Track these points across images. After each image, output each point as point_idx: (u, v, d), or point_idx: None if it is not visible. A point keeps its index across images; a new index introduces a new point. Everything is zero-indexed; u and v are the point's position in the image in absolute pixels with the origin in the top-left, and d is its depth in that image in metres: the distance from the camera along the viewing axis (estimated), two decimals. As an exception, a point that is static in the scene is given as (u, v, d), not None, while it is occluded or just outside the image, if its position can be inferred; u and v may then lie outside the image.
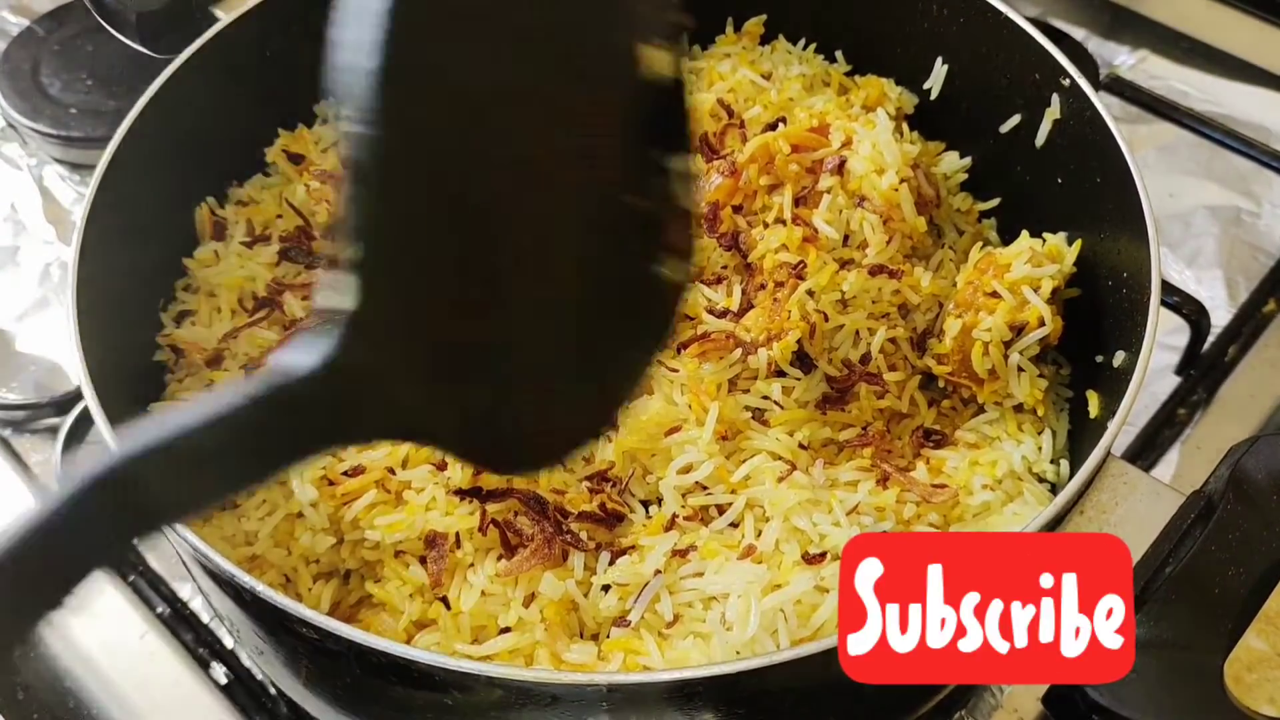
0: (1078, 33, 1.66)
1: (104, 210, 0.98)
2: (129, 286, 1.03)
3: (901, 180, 1.09)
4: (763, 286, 1.05)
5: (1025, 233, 1.10)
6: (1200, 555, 0.78)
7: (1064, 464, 1.02)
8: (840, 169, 1.09)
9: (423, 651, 0.76)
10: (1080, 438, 1.02)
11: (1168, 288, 1.35)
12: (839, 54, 1.29)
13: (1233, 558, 0.78)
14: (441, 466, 0.94)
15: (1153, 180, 1.51)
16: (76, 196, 1.52)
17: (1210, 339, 1.34)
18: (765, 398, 1.01)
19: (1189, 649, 0.75)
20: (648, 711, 0.78)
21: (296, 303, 1.06)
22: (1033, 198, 1.15)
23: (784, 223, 1.07)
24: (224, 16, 1.14)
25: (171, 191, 1.09)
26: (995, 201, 1.20)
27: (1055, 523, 0.83)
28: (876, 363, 1.04)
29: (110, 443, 0.87)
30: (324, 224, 1.10)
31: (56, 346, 1.38)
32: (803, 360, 1.02)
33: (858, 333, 1.04)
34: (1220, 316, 1.37)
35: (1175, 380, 1.33)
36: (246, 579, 0.78)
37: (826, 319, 1.03)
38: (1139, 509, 0.83)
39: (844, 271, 1.05)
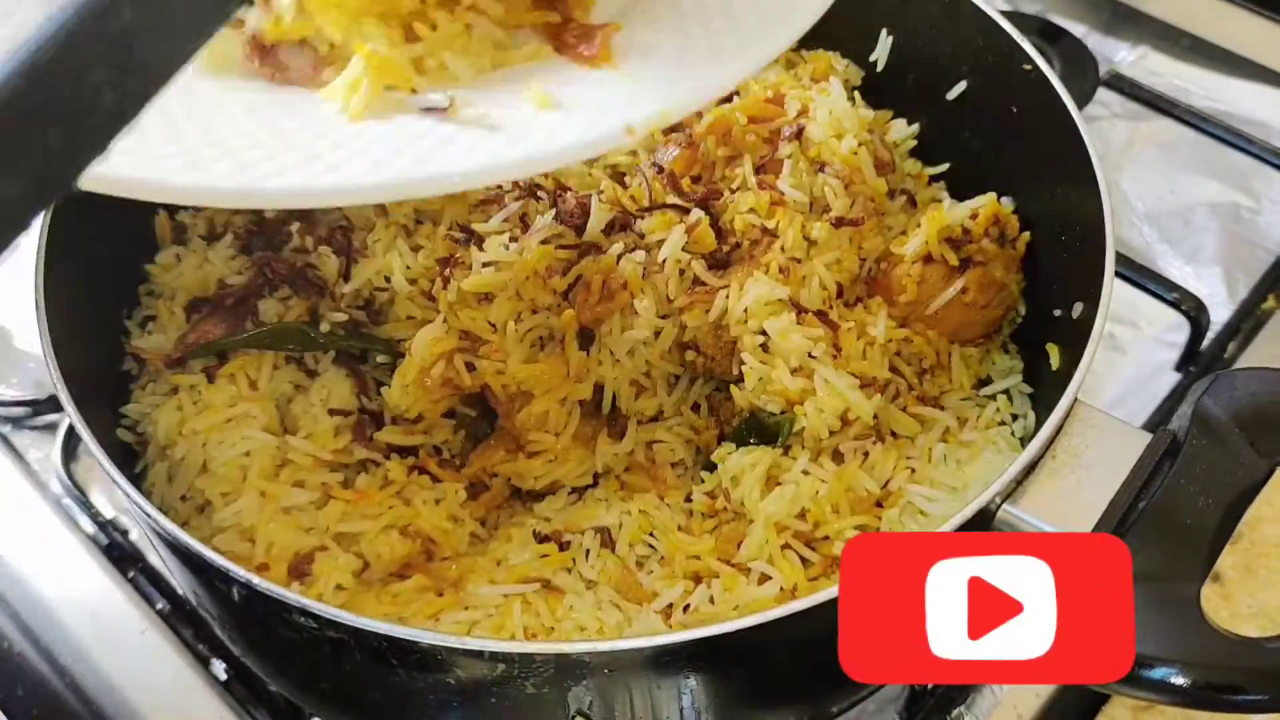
0: (1077, 29, 1.65)
1: (68, 219, 0.99)
2: (96, 296, 1.03)
3: (860, 144, 1.10)
4: (737, 245, 1.06)
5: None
6: (1170, 490, 0.81)
7: (1030, 415, 1.04)
8: (798, 136, 1.10)
9: (425, 632, 0.77)
10: (1045, 390, 1.04)
11: (1167, 284, 1.35)
12: None
13: (1201, 490, 0.80)
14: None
15: (1152, 177, 1.51)
16: (76, 192, 1.52)
17: (1210, 335, 1.34)
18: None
19: (1166, 580, 0.77)
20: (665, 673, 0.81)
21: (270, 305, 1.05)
22: (983, 162, 1.16)
23: (749, 190, 1.08)
24: None
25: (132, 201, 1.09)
26: (945, 166, 1.21)
27: (1030, 467, 0.85)
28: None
29: (97, 455, 0.86)
30: (272, 215, 1.10)
31: (56, 343, 1.37)
32: None
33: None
34: (1220, 313, 1.36)
35: (1175, 377, 1.33)
36: (241, 572, 0.79)
37: (799, 261, 1.05)
38: (1109, 450, 0.86)
39: (811, 222, 1.06)
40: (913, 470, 0.98)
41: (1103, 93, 1.57)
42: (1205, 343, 1.33)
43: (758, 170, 1.10)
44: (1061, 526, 0.83)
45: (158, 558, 1.20)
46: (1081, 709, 1.05)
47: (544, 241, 1.02)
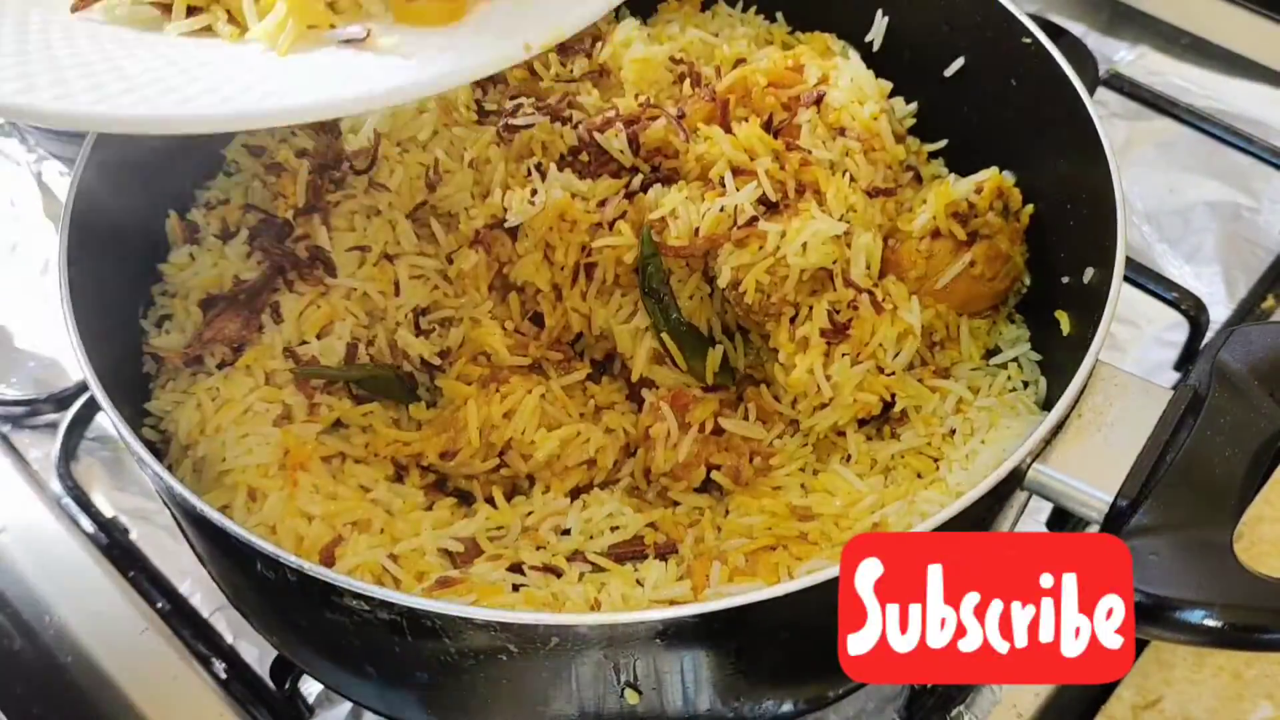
0: (1077, 28, 1.66)
1: (81, 223, 0.99)
2: (111, 298, 1.03)
3: (881, 110, 1.13)
4: (773, 204, 1.07)
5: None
6: (1196, 443, 0.83)
7: (1041, 381, 1.06)
8: (818, 103, 1.12)
9: (479, 609, 0.78)
10: (1054, 357, 1.06)
11: (1166, 283, 1.35)
12: (779, 15, 1.32)
13: (1226, 441, 0.82)
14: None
15: (1152, 176, 1.51)
16: (77, 193, 1.52)
17: (1209, 335, 1.34)
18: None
19: (1199, 527, 0.79)
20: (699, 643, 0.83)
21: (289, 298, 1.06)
22: (982, 137, 1.17)
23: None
24: None
25: (143, 201, 1.10)
26: (943, 143, 1.22)
27: (1058, 427, 0.87)
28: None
29: (137, 449, 0.87)
30: (283, 216, 1.10)
31: (55, 343, 1.37)
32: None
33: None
34: (1219, 312, 1.37)
35: (1174, 376, 1.33)
36: (292, 559, 0.79)
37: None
38: (1133, 406, 0.88)
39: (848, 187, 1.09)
40: (930, 442, 1.00)
41: (1102, 92, 1.58)
42: (1204, 342, 1.33)
43: (776, 134, 1.11)
44: (1091, 482, 0.85)
45: (158, 557, 1.19)
46: (1081, 709, 1.05)
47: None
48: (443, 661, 0.84)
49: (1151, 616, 0.75)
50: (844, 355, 1.02)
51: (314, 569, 0.80)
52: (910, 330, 1.04)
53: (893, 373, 1.03)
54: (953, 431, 1.01)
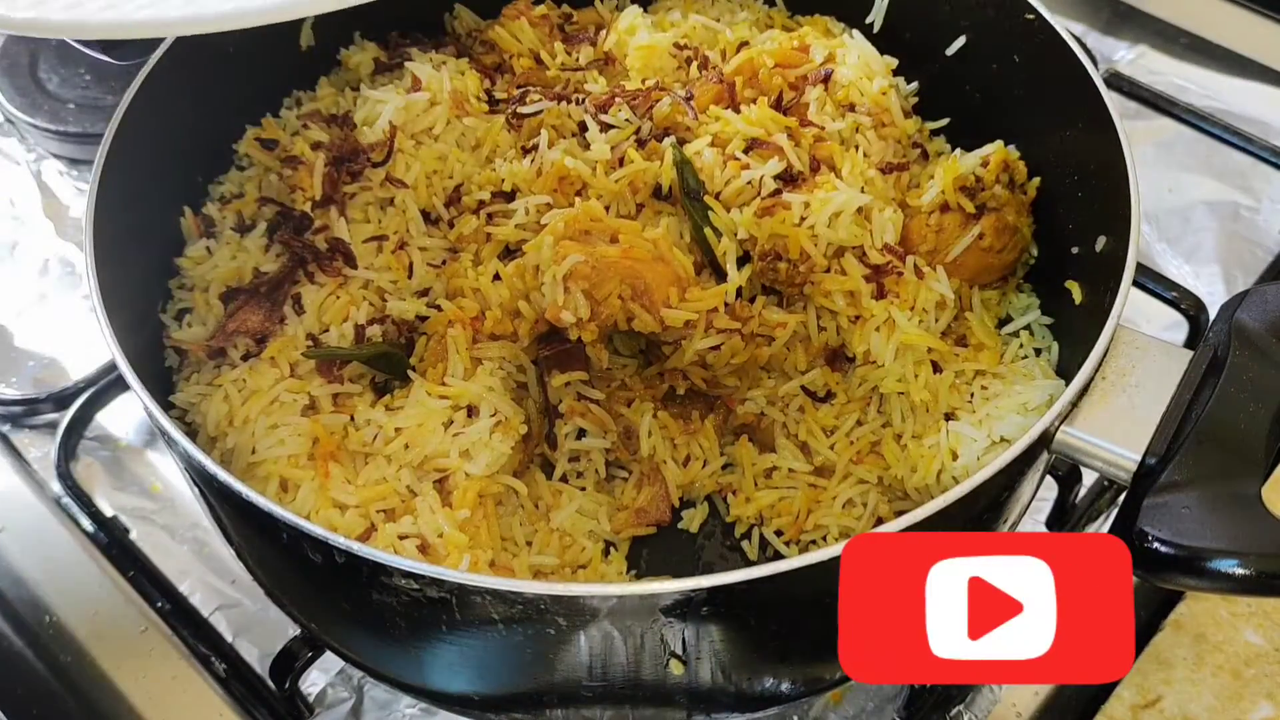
0: (1076, 28, 1.67)
1: (101, 222, 0.99)
2: (130, 293, 1.03)
3: (889, 85, 1.16)
4: (791, 177, 1.10)
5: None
6: (1220, 400, 0.85)
7: (1054, 346, 1.08)
8: (826, 80, 1.15)
9: (531, 583, 0.81)
10: (1064, 325, 1.09)
11: (1166, 282, 1.36)
12: (778, 0, 1.34)
13: (1249, 397, 0.84)
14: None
15: (1151, 175, 1.51)
16: (75, 192, 1.52)
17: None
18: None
19: (1227, 480, 0.81)
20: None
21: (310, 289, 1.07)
22: (984, 114, 1.19)
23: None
24: None
25: (159, 197, 1.11)
26: (945, 121, 1.24)
27: (1083, 391, 0.89)
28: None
29: (176, 435, 0.87)
30: (300, 208, 1.11)
31: (55, 342, 1.38)
32: None
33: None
34: (1218, 312, 1.36)
35: (1173, 375, 1.33)
36: (342, 541, 0.80)
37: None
38: (1155, 368, 0.90)
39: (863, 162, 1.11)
40: (956, 411, 1.02)
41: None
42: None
43: (785, 113, 1.13)
44: (1119, 442, 0.86)
45: (158, 557, 1.19)
46: (1081, 709, 1.05)
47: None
48: (490, 636, 0.84)
49: (1185, 568, 0.77)
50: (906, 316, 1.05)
51: (364, 549, 0.80)
52: (944, 299, 1.07)
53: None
54: (972, 396, 1.03)
